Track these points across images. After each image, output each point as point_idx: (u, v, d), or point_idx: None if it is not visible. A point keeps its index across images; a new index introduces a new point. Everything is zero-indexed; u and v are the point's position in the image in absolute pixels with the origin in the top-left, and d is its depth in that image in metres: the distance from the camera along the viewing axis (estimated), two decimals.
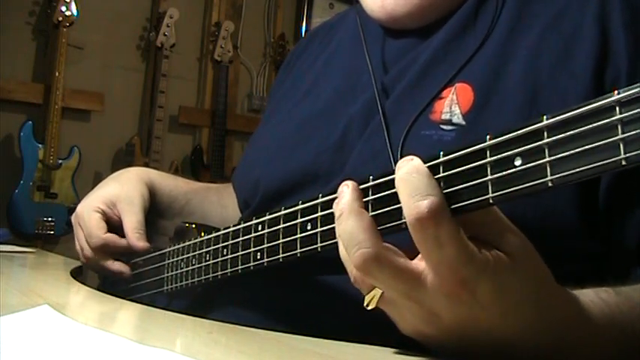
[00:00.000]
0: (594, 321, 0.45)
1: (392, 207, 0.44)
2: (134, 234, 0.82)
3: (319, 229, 0.51)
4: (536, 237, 0.43)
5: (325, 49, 0.84)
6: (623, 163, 0.33)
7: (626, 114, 0.33)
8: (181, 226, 0.84)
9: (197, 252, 0.72)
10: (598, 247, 0.57)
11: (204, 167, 2.96)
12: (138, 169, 0.92)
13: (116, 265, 0.85)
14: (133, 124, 2.86)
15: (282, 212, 0.56)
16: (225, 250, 0.66)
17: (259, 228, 0.59)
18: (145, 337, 0.51)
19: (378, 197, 0.45)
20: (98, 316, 0.62)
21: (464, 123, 0.59)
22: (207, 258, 0.69)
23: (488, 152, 0.39)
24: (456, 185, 0.40)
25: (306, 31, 3.32)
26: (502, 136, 0.39)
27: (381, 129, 0.63)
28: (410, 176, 0.40)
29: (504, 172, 0.38)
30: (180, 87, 2.94)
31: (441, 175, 0.41)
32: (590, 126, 0.34)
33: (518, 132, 0.38)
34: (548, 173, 0.36)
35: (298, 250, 0.53)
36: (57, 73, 2.49)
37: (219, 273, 0.67)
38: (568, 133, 0.35)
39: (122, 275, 0.85)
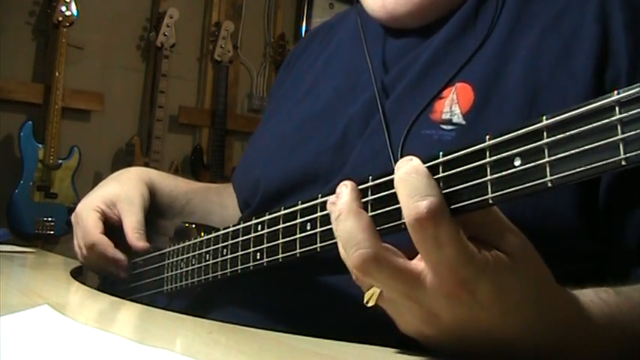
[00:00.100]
0: (594, 321, 0.45)
1: (391, 207, 0.44)
2: (134, 234, 0.82)
3: (319, 230, 0.51)
4: (536, 237, 0.42)
5: (325, 49, 0.84)
6: (623, 163, 0.33)
7: (625, 114, 0.33)
8: (181, 226, 0.84)
9: (197, 252, 0.72)
10: (598, 247, 0.57)
11: (204, 167, 2.96)
12: (138, 169, 0.92)
13: (111, 269, 0.84)
14: (133, 124, 2.86)
15: (282, 212, 0.56)
16: (224, 250, 0.66)
17: (259, 228, 0.59)
18: (145, 337, 0.51)
19: (377, 197, 0.45)
20: (98, 316, 0.62)
21: (464, 123, 0.59)
22: (207, 258, 0.69)
23: (487, 152, 0.39)
24: (456, 185, 0.40)
25: (306, 31, 3.32)
26: (502, 136, 0.39)
27: (381, 129, 0.63)
28: (409, 176, 0.40)
29: (504, 173, 0.38)
30: (180, 87, 2.94)
31: (441, 175, 0.41)
32: (590, 126, 0.34)
33: (518, 132, 0.38)
34: (548, 173, 0.36)
35: (298, 251, 0.53)
36: (57, 73, 2.49)
37: (219, 273, 0.67)
38: (568, 134, 0.35)
39: (119, 276, 0.85)
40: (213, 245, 0.68)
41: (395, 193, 0.42)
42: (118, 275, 0.85)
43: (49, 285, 0.80)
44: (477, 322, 0.42)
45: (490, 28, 0.63)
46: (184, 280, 0.75)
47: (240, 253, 0.62)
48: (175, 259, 0.78)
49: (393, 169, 0.43)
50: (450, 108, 0.60)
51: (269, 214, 0.58)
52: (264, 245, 0.58)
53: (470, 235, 0.41)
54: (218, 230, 0.68)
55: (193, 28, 3.03)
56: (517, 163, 0.37)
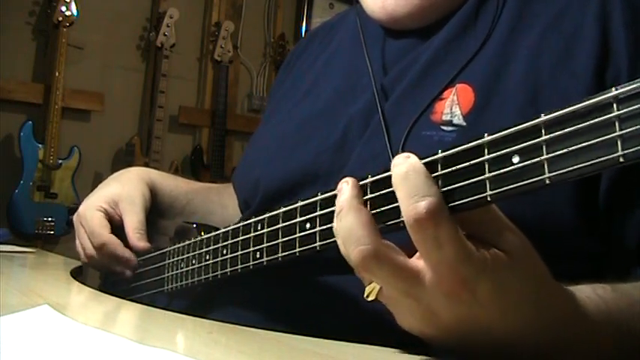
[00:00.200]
0: (590, 317, 0.46)
1: (391, 205, 0.44)
2: (135, 234, 0.82)
3: (318, 228, 0.51)
4: (535, 237, 0.43)
5: (325, 49, 0.84)
6: (621, 160, 0.33)
7: (623, 110, 0.33)
8: (182, 225, 0.84)
9: (197, 251, 0.72)
10: (597, 246, 0.57)
11: (204, 167, 2.96)
12: (138, 169, 0.92)
13: (120, 267, 0.84)
14: (133, 124, 2.86)
15: (282, 211, 0.56)
16: (224, 249, 0.66)
17: (259, 227, 0.59)
18: (145, 337, 0.51)
19: (376, 196, 0.45)
20: (98, 316, 0.62)
21: (464, 124, 0.59)
22: (207, 257, 0.69)
23: (486, 150, 0.39)
24: (455, 183, 0.40)
25: (306, 31, 3.32)
26: (500, 134, 0.39)
27: (381, 130, 0.63)
28: (407, 175, 0.40)
29: (502, 170, 0.38)
30: (180, 87, 2.94)
31: (440, 173, 0.41)
32: (588, 123, 0.34)
33: (516, 129, 0.38)
34: (546, 171, 0.36)
35: (297, 249, 0.53)
36: (57, 73, 2.49)
37: (219, 272, 0.67)
38: (566, 131, 0.35)
39: (124, 275, 0.85)
40: (213, 245, 0.68)
41: (393, 193, 0.42)
42: (124, 274, 0.85)
43: (49, 285, 0.80)
44: (476, 320, 0.42)
45: (491, 28, 0.63)
46: (184, 279, 0.75)
47: (240, 252, 0.62)
48: (175, 258, 0.78)
49: None
50: (451, 109, 0.60)
51: (269, 213, 0.58)
52: (264, 244, 0.58)
53: (468, 234, 0.41)
54: (218, 230, 0.68)
55: (193, 28, 3.03)
56: (515, 160, 0.37)
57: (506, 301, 0.42)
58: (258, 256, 0.59)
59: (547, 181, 0.36)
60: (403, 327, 0.45)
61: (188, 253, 0.75)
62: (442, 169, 0.41)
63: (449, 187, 0.41)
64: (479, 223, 0.41)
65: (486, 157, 0.39)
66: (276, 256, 0.56)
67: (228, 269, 0.65)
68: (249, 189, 0.77)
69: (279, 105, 0.86)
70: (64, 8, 2.51)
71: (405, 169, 0.40)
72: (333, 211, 0.46)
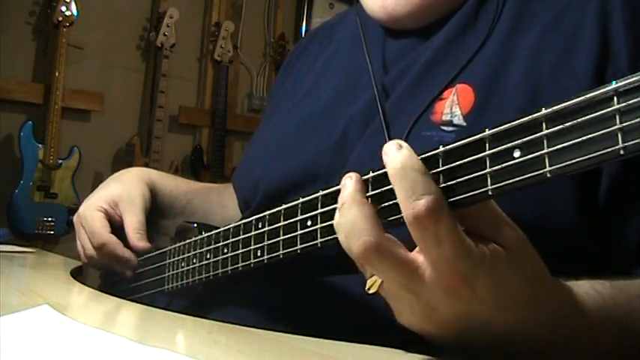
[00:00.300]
0: (588, 313, 0.46)
1: (392, 202, 0.44)
2: (135, 234, 0.82)
3: (319, 225, 0.51)
4: (536, 236, 0.43)
5: (325, 49, 0.84)
6: (622, 152, 0.33)
7: (624, 104, 0.33)
8: (182, 225, 0.84)
9: (198, 250, 0.72)
10: (598, 245, 0.57)
11: (204, 167, 2.96)
12: (138, 169, 0.92)
13: (120, 267, 0.84)
14: (133, 124, 2.86)
15: (282, 208, 0.56)
16: (225, 248, 0.66)
17: (259, 225, 0.59)
18: (145, 337, 0.51)
19: (377, 192, 0.45)
20: (98, 316, 0.62)
21: (464, 124, 0.59)
22: (208, 256, 0.69)
23: (487, 145, 0.39)
24: (456, 178, 0.40)
25: (306, 31, 3.32)
26: (501, 129, 0.39)
27: (381, 129, 0.63)
28: (405, 173, 0.40)
29: (503, 165, 0.38)
30: (180, 87, 2.94)
31: (441, 168, 0.41)
32: (589, 116, 0.34)
33: (517, 123, 0.38)
34: (547, 164, 0.36)
35: (298, 247, 0.53)
36: (57, 73, 2.49)
37: (220, 271, 0.67)
38: (566, 124, 0.35)
39: (124, 275, 0.85)
40: (214, 243, 0.68)
41: (393, 188, 0.42)
42: (124, 274, 0.85)
43: (49, 285, 0.80)
44: (475, 316, 0.42)
45: (491, 28, 0.63)
46: (185, 278, 0.75)
47: (241, 250, 0.62)
48: (176, 258, 0.78)
49: None
50: (451, 109, 0.60)
51: (269, 211, 0.58)
52: (265, 242, 0.58)
53: (467, 229, 0.41)
54: (219, 229, 0.68)
55: (193, 28, 3.03)
56: (516, 154, 0.38)
57: (505, 297, 0.42)
58: (259, 254, 0.59)
59: (548, 175, 0.36)
60: (402, 323, 0.45)
61: (189, 252, 0.75)
62: (443, 164, 0.41)
63: (450, 182, 0.41)
64: (477, 218, 0.41)
65: (487, 151, 0.39)
66: (277, 254, 0.56)
67: (229, 267, 0.65)
68: (249, 189, 0.77)
69: (279, 105, 0.86)
70: (64, 8, 2.51)
71: (403, 166, 0.40)
72: (334, 209, 0.46)
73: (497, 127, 0.39)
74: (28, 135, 2.48)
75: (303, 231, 0.53)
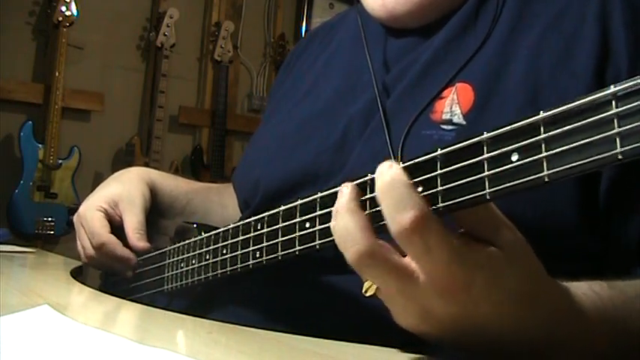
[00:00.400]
0: (586, 314, 0.46)
1: None
2: (135, 234, 0.82)
3: (318, 227, 0.51)
4: (536, 236, 0.43)
5: (325, 49, 0.84)
6: (620, 157, 0.33)
7: (622, 108, 0.33)
8: (182, 225, 0.84)
9: (197, 251, 0.72)
10: (598, 246, 0.57)
11: (204, 167, 2.96)
12: (139, 169, 0.92)
13: (120, 267, 0.84)
14: (133, 124, 2.86)
15: (281, 209, 0.56)
16: (224, 249, 0.66)
17: (258, 226, 0.59)
18: (145, 337, 0.51)
19: (374, 196, 0.45)
20: (98, 316, 0.62)
21: (464, 123, 0.59)
22: (207, 257, 0.69)
23: (485, 148, 0.39)
24: (453, 181, 0.40)
25: (306, 31, 3.32)
26: (499, 132, 0.39)
27: (381, 129, 0.63)
28: (389, 187, 0.40)
29: (501, 168, 0.38)
30: (180, 87, 2.94)
31: (438, 171, 0.41)
32: (587, 120, 0.34)
33: (515, 127, 0.38)
34: (545, 168, 0.36)
35: (297, 248, 0.53)
36: (57, 73, 2.49)
37: (219, 272, 0.67)
38: (565, 128, 0.35)
39: (124, 275, 0.85)
40: (213, 244, 0.68)
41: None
42: (124, 274, 0.85)
43: (49, 285, 0.80)
44: (471, 318, 0.42)
45: (491, 27, 0.63)
46: (184, 279, 0.75)
47: (240, 251, 0.62)
48: (175, 258, 0.78)
49: None
50: (451, 108, 0.60)
51: (268, 213, 0.58)
52: (264, 244, 0.58)
53: (465, 231, 0.41)
54: (218, 229, 0.68)
55: (193, 28, 3.03)
56: (514, 158, 0.38)
57: (502, 298, 0.42)
58: (257, 255, 0.59)
59: (546, 179, 0.36)
60: (400, 324, 0.45)
61: (188, 252, 0.75)
62: (441, 167, 0.41)
63: (448, 185, 0.41)
64: (476, 220, 0.41)
65: (485, 155, 0.39)
66: (275, 255, 0.56)
67: (228, 268, 0.65)
68: (249, 189, 0.77)
69: (279, 105, 0.86)
70: (64, 8, 2.51)
71: (387, 181, 0.41)
72: (332, 211, 0.46)
73: (495, 130, 0.39)
74: (28, 135, 2.48)
75: (301, 233, 0.53)
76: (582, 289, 0.47)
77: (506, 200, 0.39)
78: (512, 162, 0.38)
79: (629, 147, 0.32)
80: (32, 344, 0.41)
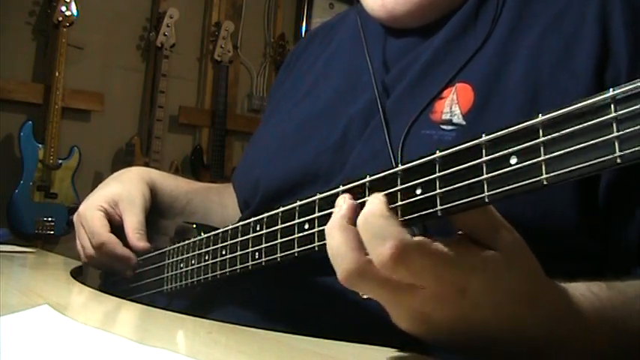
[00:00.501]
0: (584, 315, 0.46)
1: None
2: (134, 234, 0.82)
3: (317, 229, 0.51)
4: (535, 237, 0.43)
5: (325, 49, 0.84)
6: (618, 161, 0.33)
7: (621, 111, 0.33)
8: (182, 225, 0.84)
9: (196, 252, 0.72)
10: (598, 246, 0.57)
11: (204, 167, 2.96)
12: (139, 169, 0.92)
13: (120, 267, 0.84)
14: (133, 124, 2.86)
15: (280, 211, 0.56)
16: (224, 250, 0.66)
17: (257, 228, 0.59)
18: (145, 337, 0.51)
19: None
20: (98, 316, 0.62)
21: (464, 123, 0.59)
22: (207, 258, 0.69)
23: (483, 151, 0.39)
24: (452, 184, 0.40)
25: (306, 31, 3.32)
26: (497, 135, 0.39)
27: (381, 129, 0.63)
28: (366, 220, 0.41)
29: (500, 171, 0.38)
30: (180, 87, 2.94)
31: (437, 174, 0.41)
32: (586, 124, 0.34)
33: (514, 130, 0.38)
34: (543, 172, 0.36)
35: (296, 250, 0.53)
36: (57, 73, 2.49)
37: (219, 272, 0.67)
38: (563, 132, 0.35)
39: (124, 275, 0.85)
40: (213, 245, 0.68)
41: (391, 193, 0.43)
42: (124, 273, 0.85)
43: (49, 285, 0.80)
44: (468, 320, 0.42)
45: (491, 28, 0.63)
46: (184, 279, 0.75)
47: (239, 252, 0.62)
48: (175, 258, 0.78)
49: (391, 167, 0.43)
50: (450, 108, 0.60)
51: (267, 214, 0.58)
52: (263, 245, 0.58)
53: (463, 233, 0.41)
54: (218, 230, 0.68)
55: (193, 28, 3.03)
56: (513, 161, 0.37)
57: (500, 300, 0.42)
58: (257, 256, 0.59)
59: (544, 182, 0.36)
60: (399, 326, 0.45)
61: (187, 253, 0.75)
62: (440, 170, 0.41)
63: (447, 188, 0.41)
64: (474, 223, 0.41)
65: (484, 158, 0.39)
66: (274, 257, 0.56)
67: (228, 269, 0.65)
68: (249, 189, 0.77)
69: (279, 105, 0.86)
70: (64, 8, 2.51)
71: (364, 214, 0.41)
72: (331, 212, 0.46)
73: (493, 133, 0.39)
74: (28, 135, 2.48)
75: (300, 234, 0.53)
76: (580, 289, 0.47)
77: (506, 201, 0.39)
78: (510, 165, 0.37)
79: (628, 151, 0.32)
80: (32, 344, 0.41)
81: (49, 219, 2.48)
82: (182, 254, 0.76)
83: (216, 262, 0.67)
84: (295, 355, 0.46)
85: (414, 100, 0.63)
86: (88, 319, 0.57)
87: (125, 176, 0.89)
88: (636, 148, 0.32)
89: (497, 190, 0.38)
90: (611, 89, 0.33)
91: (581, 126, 0.35)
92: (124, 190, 0.86)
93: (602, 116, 0.34)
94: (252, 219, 0.61)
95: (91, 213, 0.84)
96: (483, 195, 0.39)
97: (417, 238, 0.40)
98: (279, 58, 3.13)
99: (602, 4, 0.60)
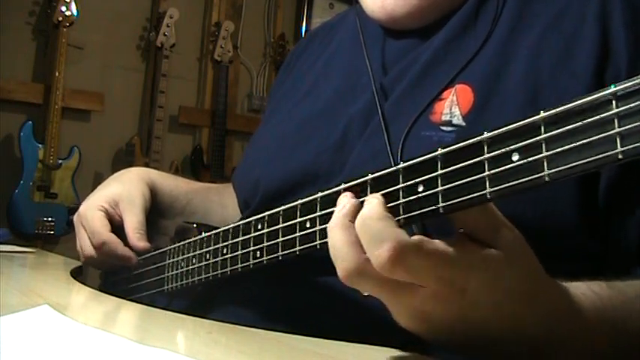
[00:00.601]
0: (584, 314, 0.46)
1: (391, 203, 0.44)
2: (135, 234, 0.82)
3: (318, 227, 0.51)
4: (535, 236, 0.43)
5: (325, 49, 0.84)
6: (620, 156, 0.33)
7: (622, 108, 0.33)
8: (182, 225, 0.84)
9: (197, 251, 0.72)
10: (598, 246, 0.57)
11: (204, 167, 2.96)
12: (139, 169, 0.92)
13: (120, 265, 0.84)
14: (133, 124, 2.86)
15: (282, 209, 0.56)
16: (225, 249, 0.66)
17: (259, 226, 0.60)
18: (145, 337, 0.51)
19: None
20: (98, 316, 0.62)
21: (464, 124, 0.59)
22: (208, 257, 0.69)
23: (485, 148, 0.39)
24: (454, 181, 0.40)
25: (306, 31, 3.32)
26: (499, 132, 0.39)
27: (380, 129, 0.63)
28: (364, 222, 0.41)
29: (502, 168, 0.38)
30: (180, 87, 2.94)
31: (439, 172, 0.41)
32: (588, 120, 0.34)
33: (516, 127, 0.38)
34: (545, 168, 0.36)
35: (297, 248, 0.53)
36: (57, 73, 2.49)
37: (220, 272, 0.67)
38: (565, 128, 0.35)
39: (125, 274, 0.85)
40: (214, 244, 0.68)
41: (392, 192, 0.43)
42: (125, 273, 0.85)
43: (49, 285, 0.80)
44: (468, 319, 0.43)
45: (491, 28, 0.63)
46: (185, 279, 0.75)
47: (240, 251, 0.62)
48: (176, 258, 0.78)
49: (391, 166, 0.43)
50: (450, 109, 0.60)
51: (268, 212, 0.58)
52: (264, 244, 0.58)
53: (464, 231, 0.41)
54: (219, 229, 0.68)
55: (193, 28, 3.03)
56: (515, 158, 0.38)
57: (501, 299, 0.42)
58: (258, 255, 0.59)
59: (546, 179, 0.36)
60: (400, 324, 0.45)
61: (188, 252, 0.75)
62: (441, 167, 0.41)
63: (448, 186, 0.41)
64: (475, 221, 0.41)
65: (486, 155, 0.39)
66: (276, 255, 0.56)
67: (229, 268, 0.65)
68: (249, 189, 0.77)
69: (279, 105, 0.86)
70: (64, 8, 2.51)
71: (362, 216, 0.42)
72: (332, 211, 0.46)
73: (495, 130, 0.39)
74: (28, 135, 2.48)
75: (301, 233, 0.53)
76: (581, 289, 0.47)
77: (506, 200, 0.39)
78: (512, 162, 0.38)
79: (630, 147, 0.32)
80: (32, 344, 0.41)
81: (49, 219, 2.48)
82: (183, 254, 0.76)
83: (217, 261, 0.67)
84: (295, 355, 0.46)
85: (414, 101, 0.63)
86: (88, 319, 0.57)
87: (125, 176, 0.89)
88: (638, 144, 0.32)
89: (499, 187, 0.38)
90: (612, 86, 0.33)
91: (582, 122, 0.35)
92: (124, 190, 0.86)
93: (603, 113, 0.34)
94: (254, 217, 0.61)
95: (91, 213, 0.84)
96: (485, 192, 0.39)
97: (414, 238, 0.40)
98: (279, 58, 3.13)
99: (602, 4, 0.60)
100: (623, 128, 0.33)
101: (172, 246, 0.79)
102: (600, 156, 0.34)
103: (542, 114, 0.37)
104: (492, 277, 0.41)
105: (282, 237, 0.56)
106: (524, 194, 0.38)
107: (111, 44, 2.78)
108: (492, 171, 0.39)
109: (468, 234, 0.41)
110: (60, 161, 2.53)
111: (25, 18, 2.60)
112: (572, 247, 0.56)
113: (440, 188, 0.41)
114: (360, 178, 0.47)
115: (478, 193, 0.39)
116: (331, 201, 0.49)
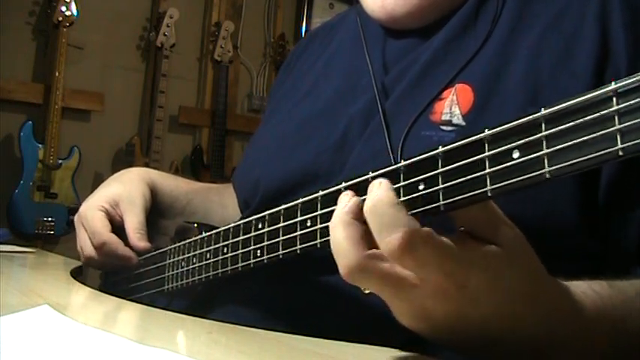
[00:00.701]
0: (585, 313, 0.46)
1: None
2: (135, 234, 0.82)
3: (319, 226, 0.51)
4: (536, 235, 0.43)
5: (326, 49, 0.84)
6: (620, 153, 0.33)
7: (623, 105, 0.33)
8: (183, 225, 0.84)
9: (198, 250, 0.72)
10: (598, 246, 0.57)
11: (204, 167, 2.96)
12: (139, 170, 0.92)
13: (121, 265, 0.84)
14: (133, 124, 2.86)
15: (282, 208, 0.56)
16: (225, 248, 0.66)
17: (259, 225, 0.60)
18: (145, 337, 0.51)
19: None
20: (98, 316, 0.62)
21: (464, 124, 0.59)
22: (208, 256, 0.69)
23: (486, 146, 0.39)
24: (455, 179, 0.40)
25: (306, 31, 3.32)
26: (500, 130, 0.39)
27: (381, 129, 0.63)
28: (375, 209, 0.41)
29: (502, 166, 0.38)
30: (180, 87, 2.94)
31: (440, 169, 0.41)
32: (588, 117, 0.34)
33: (516, 124, 0.38)
34: (546, 165, 0.36)
35: (298, 247, 0.53)
36: (57, 73, 2.49)
37: (220, 271, 0.67)
38: (566, 125, 0.35)
39: (125, 274, 0.85)
40: (214, 243, 0.68)
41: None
42: (125, 273, 0.85)
43: (49, 285, 0.80)
44: (467, 316, 0.43)
45: (491, 28, 0.63)
46: (185, 278, 0.75)
47: (241, 250, 0.62)
48: (176, 258, 0.78)
49: (391, 165, 0.43)
50: (450, 109, 0.60)
51: (269, 212, 0.58)
52: (265, 243, 0.58)
53: (464, 229, 0.41)
54: (219, 229, 0.68)
55: (193, 28, 3.03)
56: (515, 155, 0.38)
57: (501, 296, 0.42)
58: (258, 254, 0.59)
59: (547, 176, 0.36)
60: (401, 322, 0.45)
61: (189, 252, 0.75)
62: (442, 165, 0.41)
63: (449, 183, 0.41)
64: (476, 218, 0.41)
65: (486, 152, 0.39)
66: (276, 254, 0.56)
67: (229, 267, 0.65)
68: (249, 189, 0.77)
69: (279, 105, 0.86)
70: (64, 8, 2.51)
71: (373, 202, 0.41)
72: (333, 210, 0.46)
73: (496, 127, 0.39)
74: (28, 135, 2.48)
75: (302, 231, 0.53)
76: (582, 288, 0.47)
77: (507, 200, 0.39)
78: (513, 159, 0.38)
79: (630, 143, 0.32)
80: (32, 344, 0.41)
81: (49, 219, 2.49)
82: (183, 253, 0.76)
83: (218, 260, 0.67)
84: (295, 355, 0.46)
85: (414, 100, 0.63)
86: (88, 319, 0.57)
87: (125, 177, 0.89)
88: (638, 141, 0.32)
89: (500, 185, 0.38)
90: (612, 83, 0.33)
91: (583, 119, 0.35)
92: (125, 190, 0.86)
93: (603, 110, 0.34)
94: (254, 216, 0.61)
95: (91, 213, 0.84)
96: (486, 189, 0.39)
97: (425, 229, 0.40)
98: (279, 58, 3.13)
99: (602, 4, 0.60)
100: (623, 125, 0.33)
101: (173, 246, 0.79)
102: (601, 153, 0.34)
103: (543, 111, 0.37)
104: (492, 275, 0.41)
105: (283, 236, 0.56)
106: (525, 192, 0.38)
107: (111, 44, 2.79)
108: (493, 168, 0.39)
109: (468, 232, 0.41)
110: (60, 161, 2.53)
111: (25, 18, 2.60)
112: (572, 247, 0.56)
113: (441, 186, 0.41)
114: (361, 177, 0.47)
115: (479, 191, 0.39)
116: (332, 199, 0.49)
